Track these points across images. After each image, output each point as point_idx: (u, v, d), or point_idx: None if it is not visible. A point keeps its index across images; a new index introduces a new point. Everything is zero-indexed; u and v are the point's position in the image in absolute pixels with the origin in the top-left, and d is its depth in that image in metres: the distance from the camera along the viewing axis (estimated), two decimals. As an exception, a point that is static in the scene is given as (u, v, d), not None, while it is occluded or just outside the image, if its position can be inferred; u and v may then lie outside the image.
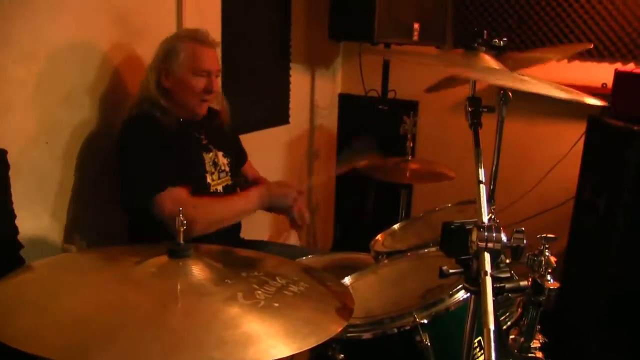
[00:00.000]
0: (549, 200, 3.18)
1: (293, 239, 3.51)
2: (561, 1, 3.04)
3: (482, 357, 1.26)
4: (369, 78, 3.53)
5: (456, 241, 1.14)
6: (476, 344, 1.42)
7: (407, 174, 2.56)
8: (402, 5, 2.99)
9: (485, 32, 1.43)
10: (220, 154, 2.18)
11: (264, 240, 2.92)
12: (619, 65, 2.94)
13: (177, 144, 2.00)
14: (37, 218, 1.94)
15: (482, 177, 1.20)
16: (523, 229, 1.11)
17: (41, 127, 1.92)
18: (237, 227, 2.31)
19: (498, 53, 1.89)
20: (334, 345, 1.39)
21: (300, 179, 3.61)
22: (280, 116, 3.31)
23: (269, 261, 1.37)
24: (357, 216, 3.69)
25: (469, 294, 1.38)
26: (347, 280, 1.67)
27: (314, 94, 3.58)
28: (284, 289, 1.16)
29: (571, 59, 3.06)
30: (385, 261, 1.77)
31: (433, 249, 1.73)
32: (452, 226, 1.16)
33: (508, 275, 1.14)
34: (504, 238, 1.08)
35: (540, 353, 1.41)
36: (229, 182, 2.20)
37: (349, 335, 1.39)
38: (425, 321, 1.37)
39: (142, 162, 1.93)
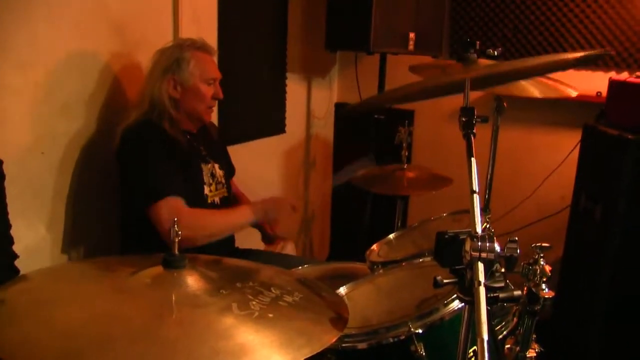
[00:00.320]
0: (545, 208, 3.19)
1: (289, 248, 3.51)
2: (555, 11, 3.06)
3: (477, 366, 1.26)
4: (365, 87, 3.55)
5: (450, 251, 1.15)
6: (471, 354, 1.42)
7: (404, 183, 2.57)
8: (398, 14, 3.01)
9: (478, 42, 1.43)
10: (216, 165, 2.18)
11: (260, 249, 2.92)
12: (613, 74, 2.96)
13: (179, 154, 2.00)
14: (32, 228, 1.94)
15: (475, 187, 1.20)
16: (516, 238, 1.11)
17: (37, 137, 1.92)
18: (231, 236, 2.31)
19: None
20: (329, 355, 1.39)
21: (297, 188, 3.62)
22: (276, 126, 3.31)
23: (264, 271, 1.37)
24: (354, 225, 3.69)
25: (463, 304, 1.40)
26: (342, 290, 1.67)
27: (310, 103, 3.59)
28: (278, 300, 1.16)
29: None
30: (381, 271, 1.77)
31: (428, 258, 1.73)
32: (446, 236, 1.16)
33: (502, 284, 1.14)
34: (497, 248, 1.08)
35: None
36: (226, 194, 2.20)
37: (344, 345, 1.38)
38: (420, 331, 1.36)
39: (143, 169, 1.93)
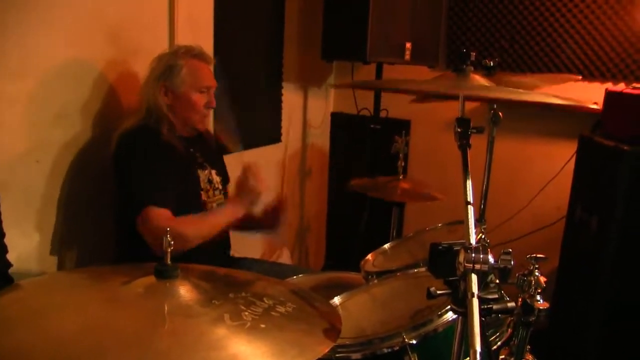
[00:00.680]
0: (540, 219, 3.19)
1: (285, 257, 3.50)
2: (553, 21, 3.08)
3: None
4: (361, 97, 3.55)
5: (444, 262, 1.14)
6: (466, 365, 1.42)
7: (399, 193, 2.56)
8: (394, 24, 3.02)
9: (474, 53, 1.43)
10: (214, 171, 2.18)
11: (254, 258, 2.91)
12: (609, 85, 2.97)
13: (176, 160, 2.00)
14: (26, 237, 1.93)
15: (470, 198, 1.20)
16: (510, 250, 1.11)
17: (32, 145, 1.91)
18: (226, 245, 2.31)
19: (488, 73, 1.91)
20: (323, 365, 1.38)
21: (293, 197, 3.61)
22: (272, 135, 3.31)
23: (257, 282, 1.36)
24: (349, 235, 3.68)
25: (457, 315, 1.39)
26: (336, 300, 1.67)
27: (307, 112, 3.59)
28: (271, 310, 1.16)
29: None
30: (375, 281, 1.77)
31: (423, 269, 1.73)
32: (440, 247, 1.15)
33: (496, 296, 1.14)
34: (491, 259, 1.08)
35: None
36: (222, 200, 2.20)
37: (337, 355, 1.38)
38: (415, 342, 1.36)
39: (132, 177, 1.93)
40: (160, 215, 1.85)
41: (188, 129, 2.10)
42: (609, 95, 2.62)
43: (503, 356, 1.44)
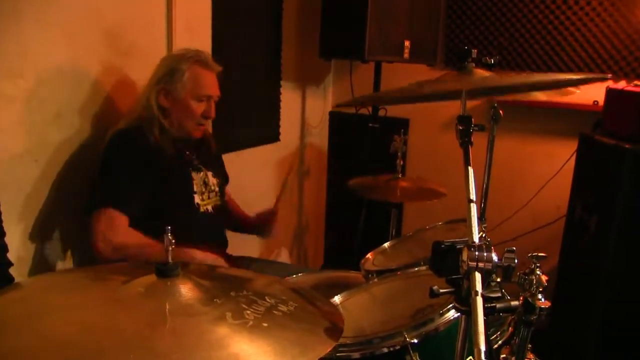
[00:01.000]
0: (540, 218, 3.19)
1: (283, 256, 3.50)
2: (552, 19, 3.07)
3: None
4: (360, 95, 3.54)
5: (447, 261, 1.14)
6: (468, 363, 1.41)
7: (398, 193, 2.56)
8: (393, 23, 3.01)
9: (475, 50, 1.43)
10: (210, 174, 2.17)
11: (253, 257, 2.90)
12: (610, 83, 2.96)
13: (164, 163, 1.98)
14: (24, 236, 1.92)
15: (472, 196, 1.19)
16: (514, 248, 1.10)
17: (30, 145, 1.90)
18: (223, 243, 2.31)
19: (489, 70, 1.90)
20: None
21: (291, 196, 3.60)
22: (270, 134, 3.30)
23: (259, 280, 1.35)
24: (348, 234, 3.67)
25: (458, 314, 1.39)
26: (337, 299, 1.66)
27: (305, 111, 3.58)
28: (273, 309, 1.14)
29: (562, 75, 3.07)
30: (376, 280, 1.76)
31: (423, 267, 1.72)
32: (443, 246, 1.15)
33: (499, 294, 1.13)
34: (494, 258, 1.07)
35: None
36: (219, 203, 2.19)
37: (338, 354, 1.37)
38: (415, 341, 1.35)
39: (110, 174, 1.92)
40: (114, 220, 1.83)
41: (183, 134, 2.07)
42: (610, 93, 2.62)
43: (504, 355, 1.43)
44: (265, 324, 1.07)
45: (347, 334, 1.39)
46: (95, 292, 1.19)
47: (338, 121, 3.85)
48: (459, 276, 1.11)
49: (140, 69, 2.17)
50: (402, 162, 2.60)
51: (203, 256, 1.85)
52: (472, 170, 1.25)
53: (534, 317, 1.33)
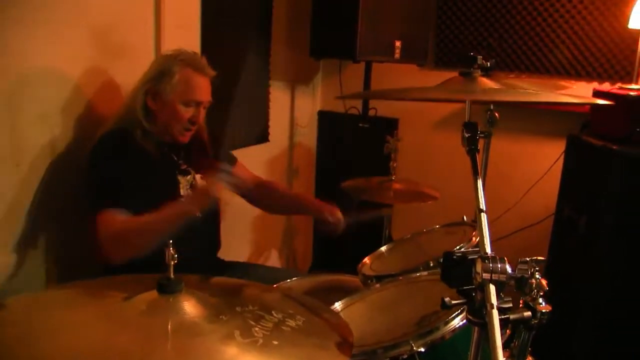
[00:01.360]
0: (528, 217, 3.19)
1: (273, 258, 3.47)
2: (540, 21, 3.07)
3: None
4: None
5: (458, 271, 1.12)
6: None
7: (391, 194, 2.54)
8: (384, 22, 2.99)
9: (480, 57, 1.41)
10: (198, 176, 2.12)
11: (243, 261, 2.87)
12: (595, 85, 2.98)
13: (150, 167, 1.92)
14: (7, 245, 1.85)
15: (482, 205, 1.18)
16: (527, 259, 1.09)
17: (11, 148, 1.83)
18: (215, 247, 2.27)
19: (486, 74, 1.88)
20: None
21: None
22: (259, 134, 3.26)
23: (262, 292, 1.32)
24: (338, 236, 3.64)
25: (464, 322, 1.37)
26: (337, 305, 1.63)
27: (294, 111, 3.55)
28: (281, 324, 1.11)
29: (549, 78, 3.08)
30: (377, 285, 1.73)
31: (425, 273, 1.70)
32: (454, 256, 1.13)
33: (510, 305, 1.12)
34: (508, 269, 1.06)
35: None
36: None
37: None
38: (422, 349, 1.33)
39: (98, 178, 1.86)
40: (109, 219, 1.77)
41: (169, 138, 2.00)
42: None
43: (504, 358, 1.42)
44: (275, 342, 1.05)
45: (351, 343, 1.36)
46: (94, 311, 1.14)
47: (327, 121, 3.81)
48: (471, 287, 1.10)
49: (128, 69, 2.11)
50: (395, 164, 2.56)
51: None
52: (480, 179, 1.23)
53: (535, 321, 1.33)
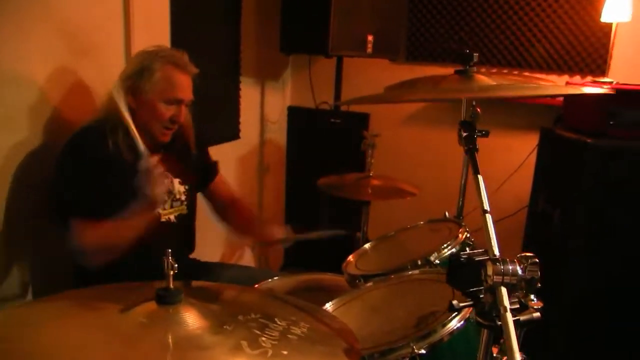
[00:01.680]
0: (502, 210, 3.23)
1: (247, 257, 3.41)
2: (511, 14, 3.11)
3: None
4: (319, 90, 3.49)
5: (465, 274, 1.10)
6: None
7: (369, 191, 2.51)
8: (356, 17, 2.97)
9: (477, 55, 1.39)
10: (177, 181, 2.05)
11: (218, 262, 2.81)
12: (566, 78, 3.03)
13: (118, 169, 1.83)
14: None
15: (486, 206, 1.16)
16: (537, 260, 1.08)
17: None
18: (190, 248, 2.23)
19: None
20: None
21: (251, 194, 3.51)
22: (231, 131, 3.20)
23: (262, 299, 1.28)
24: (309, 232, 3.60)
25: (462, 322, 1.36)
26: (328, 307, 1.60)
27: (264, 107, 3.49)
28: (287, 332, 1.08)
29: (521, 71, 3.12)
30: (368, 285, 1.70)
31: (416, 271, 1.68)
32: (462, 259, 1.11)
33: (518, 306, 1.11)
34: (519, 271, 1.05)
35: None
36: (184, 212, 2.07)
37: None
38: (424, 351, 1.31)
39: (66, 182, 1.80)
40: (81, 226, 1.73)
41: (149, 137, 1.91)
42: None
43: (495, 354, 1.42)
44: (285, 352, 1.01)
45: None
46: (89, 324, 1.07)
47: (297, 116, 3.77)
48: (478, 289, 1.08)
49: (97, 68, 2.04)
50: (372, 160, 2.54)
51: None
52: (482, 178, 1.21)
53: (527, 317, 1.32)
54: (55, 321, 1.10)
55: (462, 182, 2.15)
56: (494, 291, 1.04)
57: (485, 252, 1.12)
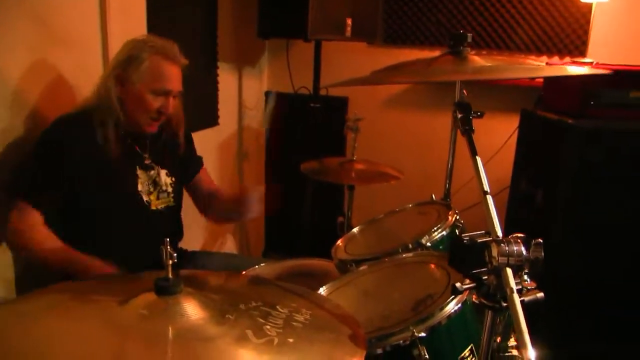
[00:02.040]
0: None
1: (229, 244, 3.38)
2: (489, -4, 3.10)
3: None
4: (297, 75, 3.46)
5: (468, 256, 1.09)
6: (467, 353, 1.40)
7: (353, 175, 2.50)
8: (334, 1, 2.93)
9: (471, 35, 1.38)
10: (163, 172, 2.01)
11: (202, 250, 2.78)
12: (545, 59, 3.04)
13: (108, 158, 1.81)
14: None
15: (486, 187, 1.16)
16: (541, 240, 1.08)
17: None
18: (178, 237, 2.19)
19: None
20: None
21: (231, 181, 3.47)
22: (209, 118, 3.15)
23: (261, 287, 1.26)
24: (289, 218, 3.59)
25: (459, 305, 1.36)
26: (322, 291, 1.59)
27: (242, 93, 3.44)
28: (291, 320, 1.06)
29: (500, 53, 3.12)
30: (361, 269, 1.69)
31: (410, 254, 1.68)
32: (465, 241, 1.10)
33: (520, 286, 1.11)
34: (524, 251, 1.05)
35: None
36: (171, 204, 2.04)
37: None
38: (424, 334, 1.30)
39: (33, 162, 1.77)
40: (24, 215, 1.71)
41: (135, 126, 1.89)
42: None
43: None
44: (290, 340, 0.99)
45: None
46: (88, 318, 1.04)
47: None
48: (481, 270, 1.08)
49: (73, 57, 1.98)
50: (356, 144, 2.52)
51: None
52: (480, 159, 1.21)
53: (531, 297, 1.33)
54: (52, 315, 1.07)
55: (449, 164, 2.15)
56: (498, 273, 1.03)
57: (487, 234, 1.12)
